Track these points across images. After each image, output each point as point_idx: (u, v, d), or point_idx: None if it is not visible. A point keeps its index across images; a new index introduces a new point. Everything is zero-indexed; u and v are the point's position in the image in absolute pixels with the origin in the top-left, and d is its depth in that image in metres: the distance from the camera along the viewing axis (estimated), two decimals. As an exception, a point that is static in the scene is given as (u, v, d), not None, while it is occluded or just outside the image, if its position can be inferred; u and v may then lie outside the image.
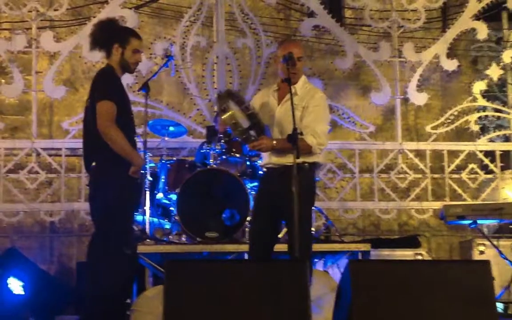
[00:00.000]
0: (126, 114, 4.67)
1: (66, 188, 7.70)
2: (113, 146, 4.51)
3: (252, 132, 4.64)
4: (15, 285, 6.57)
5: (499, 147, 8.54)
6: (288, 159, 4.55)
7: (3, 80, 7.99)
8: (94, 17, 7.76)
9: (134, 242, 4.90)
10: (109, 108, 4.52)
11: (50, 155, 7.71)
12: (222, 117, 4.61)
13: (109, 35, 4.75)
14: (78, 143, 7.59)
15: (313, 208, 6.53)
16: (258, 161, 6.14)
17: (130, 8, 7.98)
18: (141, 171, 4.64)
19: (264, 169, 4.94)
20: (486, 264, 3.96)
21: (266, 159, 4.83)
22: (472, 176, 8.34)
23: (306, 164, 4.62)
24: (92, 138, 4.62)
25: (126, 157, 4.52)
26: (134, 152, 4.59)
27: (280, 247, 5.15)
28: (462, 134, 8.69)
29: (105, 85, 4.63)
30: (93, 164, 4.66)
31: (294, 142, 4.34)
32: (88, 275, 4.67)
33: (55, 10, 7.83)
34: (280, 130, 4.73)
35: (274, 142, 4.66)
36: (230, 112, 4.57)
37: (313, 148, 4.65)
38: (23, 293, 6.56)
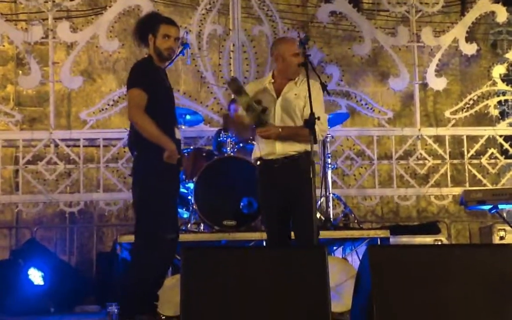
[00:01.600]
0: (162, 102, 4.70)
1: (84, 178, 7.72)
2: (142, 133, 4.57)
3: (265, 116, 4.64)
4: (36, 276, 6.63)
5: (520, 131, 8.45)
6: (291, 148, 4.67)
7: (20, 72, 8.04)
8: (110, 6, 7.78)
9: (177, 230, 4.87)
10: (136, 96, 4.58)
11: (68, 146, 7.74)
12: (238, 99, 4.62)
13: (144, 27, 4.81)
14: (96, 134, 7.78)
15: (331, 194, 6.58)
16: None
17: (146, -3, 7.97)
18: (178, 157, 4.63)
19: (258, 162, 4.85)
20: (509, 248, 3.91)
21: (267, 150, 4.75)
22: (492, 161, 8.26)
23: (308, 151, 4.58)
24: (130, 127, 4.75)
25: (157, 143, 4.54)
26: (164, 137, 4.57)
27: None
28: (481, 119, 8.61)
29: (136, 74, 4.68)
30: (135, 153, 4.75)
31: (312, 126, 4.32)
32: (130, 267, 4.76)
33: (71, 0, 7.83)
34: (282, 119, 4.74)
35: (280, 129, 4.66)
36: (246, 97, 4.58)
37: (317, 134, 4.59)
38: (43, 283, 6.61)
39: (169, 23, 4.81)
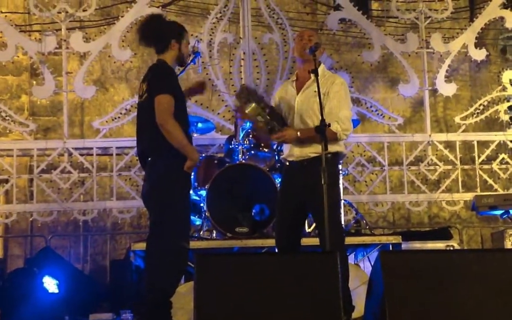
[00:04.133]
0: (182, 108, 4.71)
1: (98, 187, 7.79)
2: (170, 140, 4.53)
3: (275, 123, 4.59)
4: (50, 284, 6.66)
5: (530, 136, 8.44)
6: (311, 150, 4.57)
7: (34, 82, 8.14)
8: (122, 16, 7.86)
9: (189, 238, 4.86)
10: (168, 101, 4.54)
11: (81, 155, 7.80)
12: (246, 110, 4.59)
13: (166, 31, 4.80)
14: (109, 142, 7.84)
15: (342, 200, 6.56)
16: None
17: (158, 7, 8.06)
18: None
19: (287, 163, 4.83)
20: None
21: (288, 152, 4.74)
22: (503, 166, 8.26)
23: (329, 155, 4.42)
24: (148, 133, 4.66)
25: (183, 151, 4.54)
26: (191, 147, 4.61)
27: (311, 241, 5.17)
28: (492, 124, 8.62)
29: (164, 79, 4.66)
30: (149, 159, 4.69)
31: (322, 133, 4.27)
32: (147, 275, 4.66)
33: (84, 10, 7.91)
34: (301, 119, 4.67)
35: (298, 133, 4.59)
36: (253, 105, 4.55)
37: (338, 134, 4.56)
38: (57, 291, 6.66)
39: (187, 31, 4.95)
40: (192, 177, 4.74)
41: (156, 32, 4.79)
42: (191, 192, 4.89)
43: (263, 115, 4.58)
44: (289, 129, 4.62)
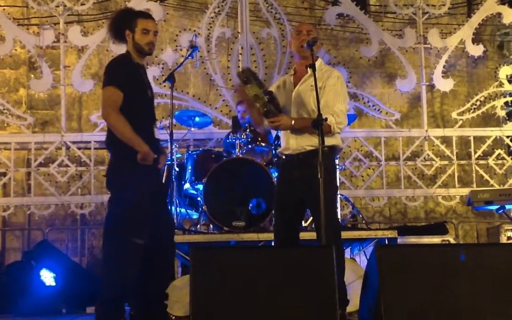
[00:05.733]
0: (139, 101, 4.51)
1: (95, 180, 7.80)
2: (115, 132, 4.39)
3: (272, 107, 4.52)
4: (47, 277, 6.69)
5: (527, 132, 8.47)
6: (307, 142, 4.54)
7: (32, 75, 8.15)
8: (120, 11, 7.86)
9: (166, 234, 4.62)
10: (111, 94, 4.39)
11: (79, 148, 7.83)
12: (246, 90, 4.50)
13: (120, 24, 4.61)
14: (107, 136, 7.84)
15: (339, 195, 6.56)
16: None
17: (156, 1, 8.05)
18: (154, 157, 4.39)
19: (283, 157, 4.80)
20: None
21: (284, 145, 4.71)
22: (499, 161, 8.28)
23: (326, 148, 4.30)
24: (108, 127, 4.54)
25: (129, 144, 4.35)
26: (137, 139, 4.35)
27: (308, 235, 5.19)
28: (488, 119, 8.64)
29: (111, 71, 4.49)
30: (110, 153, 4.61)
31: (318, 127, 4.25)
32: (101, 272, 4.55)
33: (82, 4, 7.92)
34: (297, 111, 4.64)
35: (293, 121, 4.55)
36: (254, 85, 4.48)
37: (332, 127, 4.52)
38: (54, 284, 6.68)
39: (147, 17, 4.61)
40: (152, 167, 4.47)
41: (113, 28, 4.63)
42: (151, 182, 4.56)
43: (262, 97, 4.51)
44: (284, 116, 4.58)
